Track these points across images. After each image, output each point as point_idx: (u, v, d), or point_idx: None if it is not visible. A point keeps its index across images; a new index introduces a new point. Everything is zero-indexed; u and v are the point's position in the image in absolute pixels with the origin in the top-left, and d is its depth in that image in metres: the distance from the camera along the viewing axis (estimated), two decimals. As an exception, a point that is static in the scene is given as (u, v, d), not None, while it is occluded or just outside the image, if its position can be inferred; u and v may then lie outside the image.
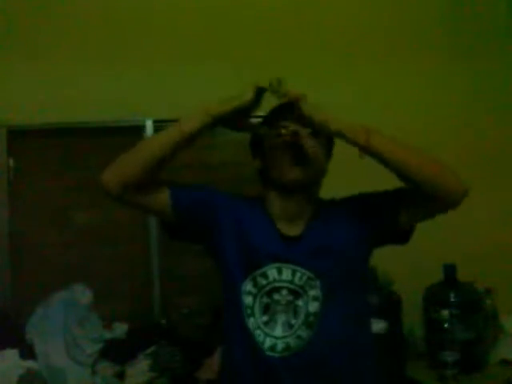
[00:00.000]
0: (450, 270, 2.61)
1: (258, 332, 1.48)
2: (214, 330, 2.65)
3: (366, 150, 1.41)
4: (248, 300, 1.50)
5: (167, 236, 1.60)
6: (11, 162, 2.92)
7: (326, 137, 1.54)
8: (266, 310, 1.49)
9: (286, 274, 1.49)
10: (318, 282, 1.49)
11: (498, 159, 3.01)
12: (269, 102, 1.53)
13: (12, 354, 2.44)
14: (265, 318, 1.49)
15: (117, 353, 2.53)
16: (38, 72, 2.90)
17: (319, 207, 1.57)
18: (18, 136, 2.92)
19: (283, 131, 1.49)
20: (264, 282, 1.50)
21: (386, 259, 2.55)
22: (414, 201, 1.49)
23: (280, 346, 1.47)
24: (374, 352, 1.58)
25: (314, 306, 1.48)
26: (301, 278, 1.49)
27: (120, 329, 2.70)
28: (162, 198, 1.52)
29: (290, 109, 1.46)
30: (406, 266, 2.73)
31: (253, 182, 1.67)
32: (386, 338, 2.46)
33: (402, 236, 1.58)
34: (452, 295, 2.58)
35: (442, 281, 2.63)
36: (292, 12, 2.99)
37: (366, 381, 1.54)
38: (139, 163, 1.47)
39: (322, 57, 2.98)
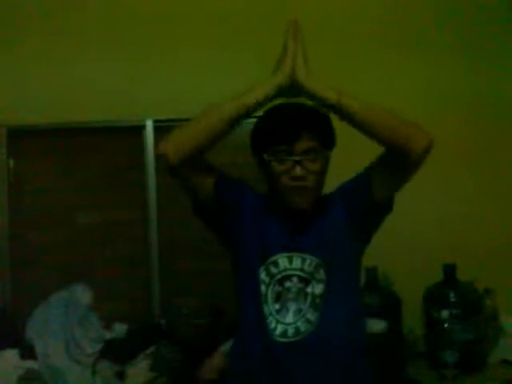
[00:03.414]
0: (449, 270, 2.60)
1: (270, 319, 1.53)
2: (214, 329, 2.65)
3: (338, 110, 1.47)
4: (262, 288, 1.55)
5: (192, 210, 1.63)
6: (11, 162, 2.93)
7: (326, 141, 1.56)
8: (277, 298, 1.54)
9: (296, 262, 1.55)
10: (323, 267, 1.54)
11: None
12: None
13: (12, 354, 2.45)
14: (277, 306, 1.54)
15: (117, 353, 2.53)
16: (38, 72, 2.90)
17: (320, 200, 1.61)
18: (18, 136, 2.92)
19: (292, 174, 1.51)
20: (275, 270, 1.56)
21: (386, 259, 2.56)
22: (382, 169, 1.53)
23: (290, 331, 1.52)
24: (365, 340, 1.63)
25: (319, 288, 1.54)
26: (310, 264, 1.55)
27: (120, 329, 2.69)
28: (210, 176, 1.57)
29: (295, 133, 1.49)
30: (406, 266, 2.74)
31: (252, 183, 1.68)
32: (386, 337, 2.46)
33: (386, 208, 1.61)
34: (452, 295, 2.57)
35: (442, 281, 2.63)
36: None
37: (358, 366, 1.58)
38: (200, 137, 1.51)
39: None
